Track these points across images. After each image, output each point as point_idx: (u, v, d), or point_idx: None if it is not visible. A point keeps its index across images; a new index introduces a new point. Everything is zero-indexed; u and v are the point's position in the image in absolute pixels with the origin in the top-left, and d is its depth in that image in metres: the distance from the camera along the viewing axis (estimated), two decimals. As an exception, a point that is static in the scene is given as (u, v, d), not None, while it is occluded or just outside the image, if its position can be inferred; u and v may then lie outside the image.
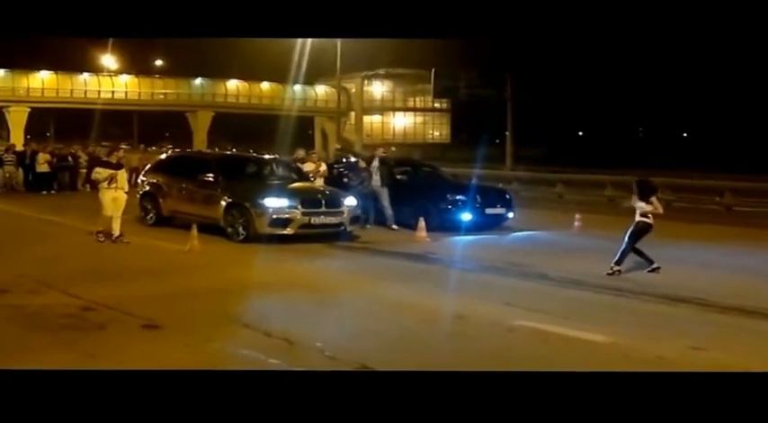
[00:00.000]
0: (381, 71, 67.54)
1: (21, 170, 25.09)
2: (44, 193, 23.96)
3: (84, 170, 24.74)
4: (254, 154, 26.38)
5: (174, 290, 9.23)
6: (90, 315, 7.88)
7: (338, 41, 45.65)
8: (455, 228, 14.95)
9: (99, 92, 58.13)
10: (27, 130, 55.35)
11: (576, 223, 16.35)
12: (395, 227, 15.41)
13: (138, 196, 15.69)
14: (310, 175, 16.11)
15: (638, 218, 10.85)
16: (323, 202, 13.86)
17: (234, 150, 36.81)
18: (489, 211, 15.99)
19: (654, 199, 10.91)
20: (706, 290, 9.55)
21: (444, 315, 8.15)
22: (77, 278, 9.72)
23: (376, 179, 16.04)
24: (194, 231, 12.34)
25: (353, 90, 68.08)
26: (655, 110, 63.64)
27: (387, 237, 14.60)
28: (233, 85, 65.00)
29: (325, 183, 16.15)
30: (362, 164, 16.88)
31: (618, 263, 10.66)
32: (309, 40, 45.15)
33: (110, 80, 59.71)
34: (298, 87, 63.42)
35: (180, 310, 8.23)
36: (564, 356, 6.75)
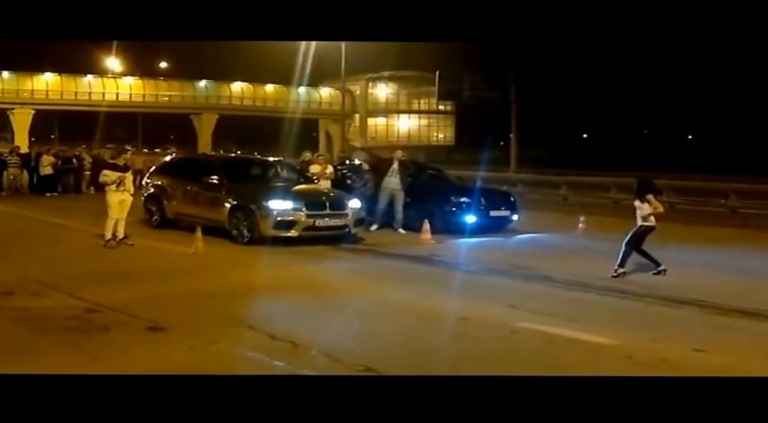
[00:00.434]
0: (386, 73, 67.70)
1: (25, 172, 25.10)
2: (48, 195, 23.89)
3: (89, 172, 24.76)
4: (259, 156, 26.38)
5: (179, 292, 9.23)
6: (94, 317, 7.88)
7: (342, 44, 45.66)
8: (459, 230, 14.96)
9: (103, 94, 58.28)
10: (31, 133, 55.53)
11: (581, 225, 16.34)
12: (402, 231, 15.37)
13: (142, 198, 15.69)
14: (315, 177, 16.09)
15: (639, 222, 10.84)
16: (327, 204, 13.84)
17: (238, 153, 36.81)
18: (493, 213, 15.98)
19: (651, 197, 10.87)
20: (709, 292, 9.55)
21: (449, 317, 8.14)
22: (82, 280, 9.71)
23: (395, 182, 15.83)
24: (199, 233, 12.33)
25: (358, 92, 68.20)
26: (659, 112, 63.59)
27: (391, 239, 14.60)
28: (237, 87, 65.10)
29: (333, 185, 16.15)
30: (366, 166, 16.87)
31: (621, 265, 10.67)
32: (314, 43, 45.18)
33: (114, 82, 59.79)
34: (302, 90, 63.59)
35: (184, 312, 8.23)
36: (568, 358, 6.74)
